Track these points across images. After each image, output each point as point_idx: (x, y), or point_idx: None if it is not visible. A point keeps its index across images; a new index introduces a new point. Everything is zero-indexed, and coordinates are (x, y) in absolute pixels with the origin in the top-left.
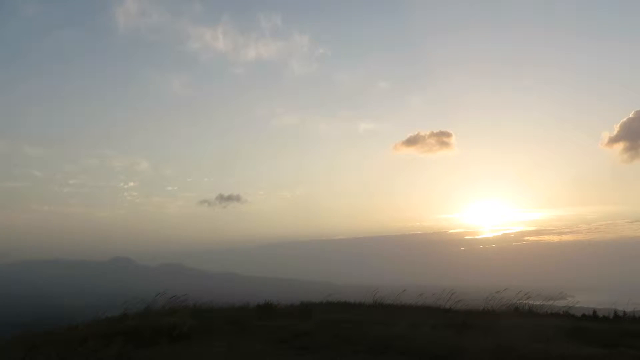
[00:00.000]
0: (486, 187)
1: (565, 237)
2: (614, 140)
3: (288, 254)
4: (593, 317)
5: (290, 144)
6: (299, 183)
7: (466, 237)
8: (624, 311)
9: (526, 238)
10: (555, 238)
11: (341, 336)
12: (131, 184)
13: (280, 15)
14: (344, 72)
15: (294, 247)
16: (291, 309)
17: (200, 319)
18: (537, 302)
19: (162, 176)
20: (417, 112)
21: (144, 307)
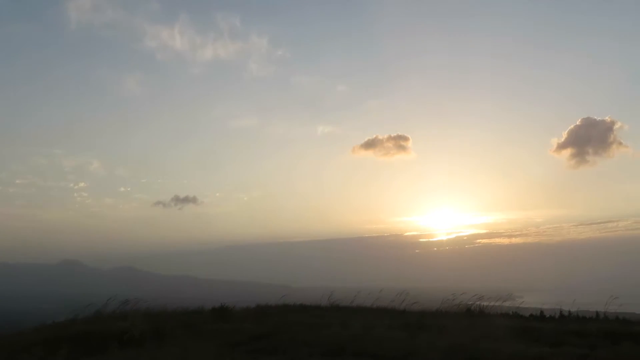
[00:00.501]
0: (441, 191)
1: (515, 240)
2: (562, 146)
3: (245, 257)
4: (540, 317)
5: (248, 145)
6: (257, 185)
7: (421, 240)
8: (569, 311)
9: (478, 241)
10: (505, 240)
11: (297, 338)
12: (82, 184)
13: (239, 16)
14: (302, 75)
15: (250, 249)
16: (247, 311)
17: (153, 323)
18: (488, 303)
19: (114, 177)
20: (374, 117)
21: (94, 311)
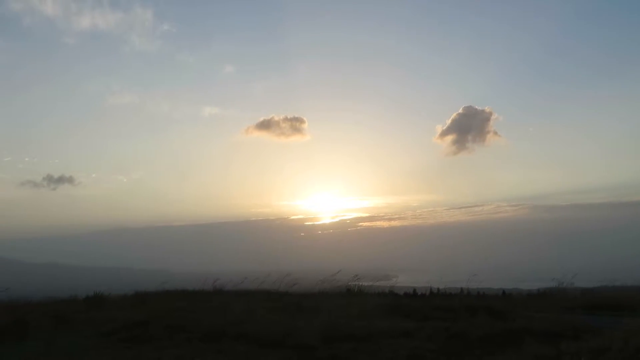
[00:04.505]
0: (331, 175)
1: (393, 223)
2: (444, 133)
3: (123, 242)
4: (413, 295)
5: (128, 124)
6: (138, 166)
7: (306, 223)
8: (438, 288)
9: (360, 224)
10: (385, 223)
11: (175, 325)
12: None
13: None
14: (189, 53)
15: (130, 234)
16: (124, 299)
17: (16, 314)
18: (366, 283)
19: None
20: (266, 99)
21: None
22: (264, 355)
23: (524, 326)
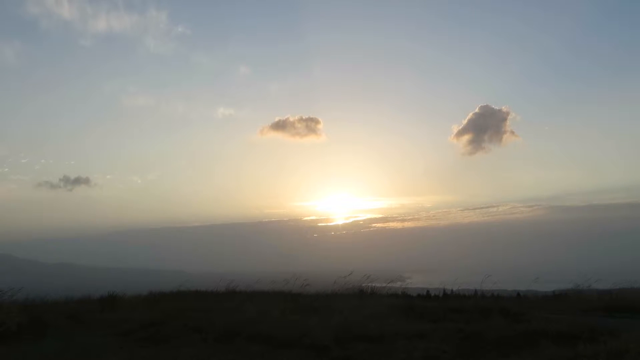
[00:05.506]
0: (345, 175)
1: (407, 224)
2: (460, 133)
3: (138, 242)
4: (426, 296)
5: (143, 125)
6: (153, 167)
7: (319, 224)
8: (452, 290)
9: (373, 225)
10: (398, 224)
11: (189, 325)
12: None
13: None
14: (203, 54)
15: (144, 235)
16: (138, 299)
17: (33, 314)
18: (380, 284)
19: None
20: (282, 99)
21: None
22: (279, 355)
23: (540, 328)
